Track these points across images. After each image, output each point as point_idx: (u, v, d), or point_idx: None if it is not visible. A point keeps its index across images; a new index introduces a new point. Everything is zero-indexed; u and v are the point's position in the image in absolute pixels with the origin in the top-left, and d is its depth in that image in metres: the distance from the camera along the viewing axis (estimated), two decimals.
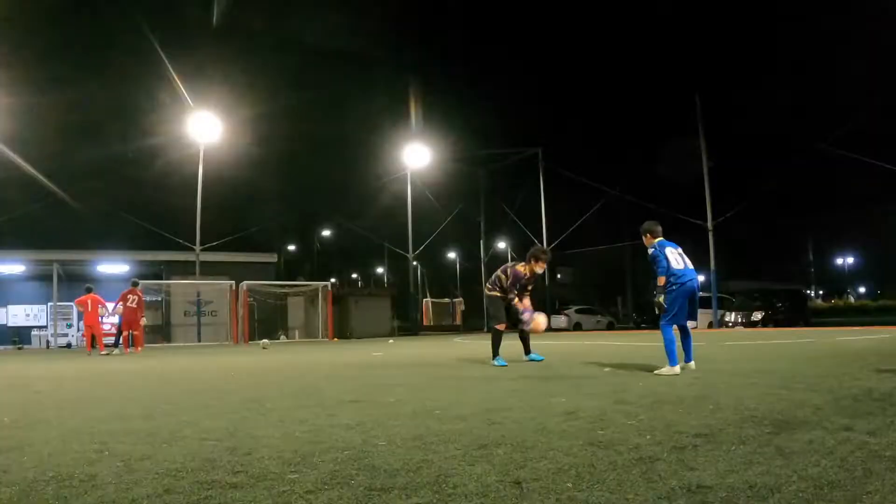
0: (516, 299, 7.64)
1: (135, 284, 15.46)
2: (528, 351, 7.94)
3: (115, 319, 15.74)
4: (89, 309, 14.56)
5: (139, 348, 15.28)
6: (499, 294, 7.77)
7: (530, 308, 7.80)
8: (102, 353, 14.19)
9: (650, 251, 5.84)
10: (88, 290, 14.85)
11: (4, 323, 26.99)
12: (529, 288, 7.90)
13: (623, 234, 37.86)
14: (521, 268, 7.71)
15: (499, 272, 7.92)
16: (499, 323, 7.75)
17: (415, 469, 2.30)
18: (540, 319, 7.76)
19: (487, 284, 8.02)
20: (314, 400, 4.44)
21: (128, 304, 14.56)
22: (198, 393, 5.17)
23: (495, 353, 7.61)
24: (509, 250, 49.42)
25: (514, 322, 7.87)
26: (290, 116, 34.44)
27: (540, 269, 7.70)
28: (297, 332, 26.41)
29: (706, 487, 1.96)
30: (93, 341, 14.84)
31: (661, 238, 5.90)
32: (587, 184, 30.71)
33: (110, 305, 15.75)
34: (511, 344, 8.00)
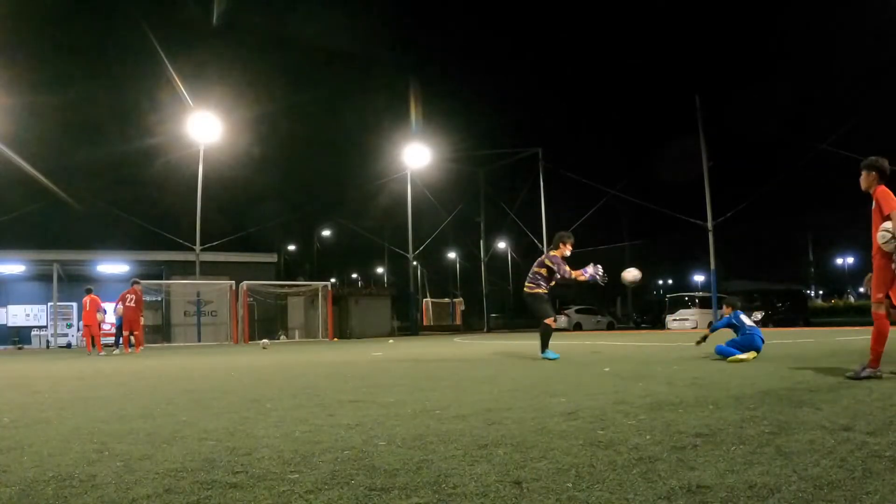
0: (570, 272, 7.91)
1: (135, 283, 15.43)
2: (544, 348, 8.02)
3: (114, 320, 15.74)
4: (87, 309, 14.58)
5: (139, 348, 15.27)
6: (542, 290, 8.01)
7: (589, 269, 8.01)
8: (101, 353, 14.20)
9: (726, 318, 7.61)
10: (88, 291, 14.90)
11: (4, 323, 26.99)
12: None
13: (623, 234, 37.85)
14: (557, 252, 8.02)
15: (535, 269, 8.11)
16: (547, 318, 7.98)
17: (415, 469, 2.30)
18: (632, 271, 7.99)
19: (528, 283, 8.14)
20: (314, 400, 4.44)
21: (127, 303, 14.56)
22: (198, 393, 5.17)
23: (545, 347, 7.85)
24: (509, 250, 49.41)
25: (541, 317, 8.07)
26: (290, 116, 34.54)
27: (568, 250, 8.13)
28: (297, 332, 26.41)
29: (706, 487, 1.96)
30: (93, 341, 14.85)
31: (738, 310, 7.60)
32: (587, 184, 30.74)
33: (108, 306, 15.76)
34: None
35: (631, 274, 7.95)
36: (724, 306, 7.95)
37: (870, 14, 23.39)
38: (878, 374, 4.63)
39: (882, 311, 4.68)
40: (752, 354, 6.94)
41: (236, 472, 2.33)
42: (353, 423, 3.35)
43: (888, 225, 4.57)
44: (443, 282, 51.36)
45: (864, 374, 4.63)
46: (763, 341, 7.24)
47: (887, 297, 4.72)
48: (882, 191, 4.74)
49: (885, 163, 4.90)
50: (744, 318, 7.49)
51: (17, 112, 24.13)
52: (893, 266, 4.59)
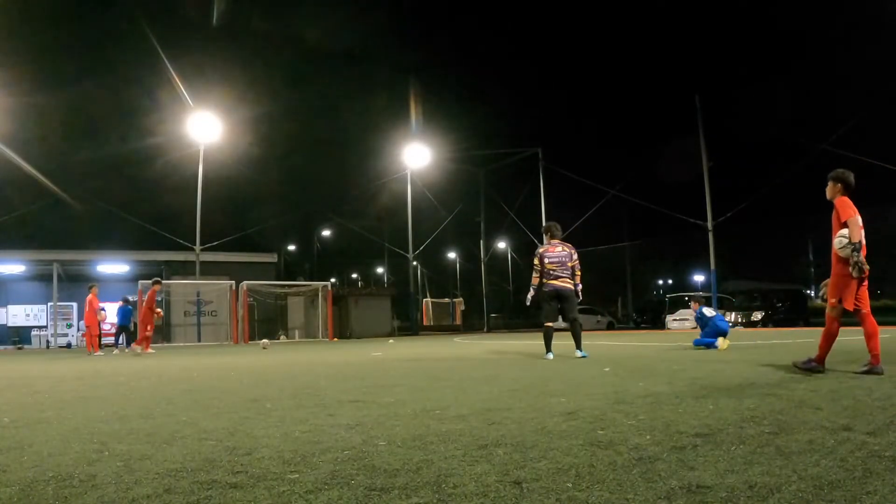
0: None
1: (155, 283, 15.48)
2: (578, 346, 8.34)
3: (114, 320, 15.77)
4: (87, 309, 14.60)
5: (127, 349, 15.27)
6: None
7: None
8: (99, 353, 14.19)
9: (696, 314, 9.51)
10: (90, 288, 14.90)
11: (4, 323, 26.99)
12: None
13: (623, 234, 37.84)
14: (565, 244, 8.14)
15: (569, 262, 7.98)
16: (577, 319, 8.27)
17: (415, 469, 2.30)
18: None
19: (569, 279, 8.02)
20: (314, 400, 4.43)
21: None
22: (198, 393, 5.17)
23: (579, 345, 8.27)
24: (509, 250, 49.41)
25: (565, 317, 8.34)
26: (291, 116, 34.54)
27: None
28: (297, 332, 26.41)
29: (706, 487, 1.96)
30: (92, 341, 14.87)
31: (701, 305, 9.49)
32: (587, 184, 30.74)
33: (108, 305, 15.78)
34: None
35: None
36: (692, 302, 9.29)
37: (871, 14, 23.39)
38: (820, 368, 5.04)
39: (835, 314, 5.04)
40: (725, 342, 8.61)
41: (236, 472, 2.33)
42: (353, 423, 3.35)
43: (845, 231, 4.91)
44: (443, 282, 51.36)
45: (806, 366, 5.06)
46: (727, 323, 9.01)
47: (839, 302, 5.05)
48: (841, 200, 5.06)
49: (851, 177, 5.20)
50: (706, 311, 9.03)
51: (17, 112, 24.14)
52: (851, 271, 4.82)
